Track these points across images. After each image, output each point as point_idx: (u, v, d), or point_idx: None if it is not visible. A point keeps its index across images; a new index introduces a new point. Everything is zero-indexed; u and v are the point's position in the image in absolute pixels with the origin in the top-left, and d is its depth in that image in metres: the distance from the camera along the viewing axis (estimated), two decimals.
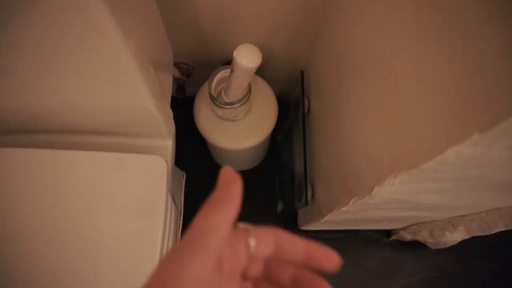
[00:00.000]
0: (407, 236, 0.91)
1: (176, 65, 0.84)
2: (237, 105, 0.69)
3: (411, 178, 0.36)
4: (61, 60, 0.45)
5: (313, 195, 0.76)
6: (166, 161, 0.56)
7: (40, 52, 0.43)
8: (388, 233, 1.01)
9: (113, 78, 0.48)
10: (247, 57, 0.57)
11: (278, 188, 1.02)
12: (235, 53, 0.57)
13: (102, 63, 0.45)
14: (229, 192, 0.23)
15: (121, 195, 0.55)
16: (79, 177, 0.55)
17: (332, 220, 0.71)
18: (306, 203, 0.72)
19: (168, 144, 0.61)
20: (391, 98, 0.38)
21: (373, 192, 0.44)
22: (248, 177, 1.04)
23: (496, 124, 0.23)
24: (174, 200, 0.66)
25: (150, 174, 0.55)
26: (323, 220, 0.71)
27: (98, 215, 0.55)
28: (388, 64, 0.39)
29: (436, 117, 0.30)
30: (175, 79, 0.85)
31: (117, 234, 0.54)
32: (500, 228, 0.61)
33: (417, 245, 0.97)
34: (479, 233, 0.68)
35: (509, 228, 0.61)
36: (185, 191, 0.96)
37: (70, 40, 0.42)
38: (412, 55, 0.34)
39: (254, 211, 1.01)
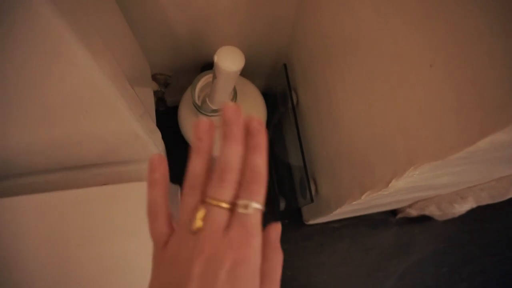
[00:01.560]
0: (414, 213, 0.90)
1: (153, 77, 0.79)
2: None
3: (433, 168, 0.34)
4: (29, 95, 0.40)
5: (316, 190, 0.74)
6: None
7: (6, 90, 0.39)
8: (394, 212, 1.00)
9: (88, 104, 0.44)
10: (229, 60, 0.54)
11: (277, 186, 0.99)
12: (215, 58, 0.54)
13: (75, 91, 0.41)
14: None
15: (120, 226, 0.51)
16: (71, 218, 0.51)
17: (340, 212, 0.69)
18: (312, 200, 0.70)
19: None
20: (399, 87, 0.36)
21: (389, 185, 0.41)
22: None
23: None
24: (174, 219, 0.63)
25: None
26: (331, 214, 0.69)
27: (99, 250, 0.51)
28: (390, 48, 0.36)
29: (460, 105, 0.27)
30: (154, 92, 0.81)
31: (120, 263, 0.51)
32: None
33: (423, 219, 0.96)
34: (489, 201, 0.67)
35: None
36: None
37: (36, 72, 0.37)
38: (419, 36, 0.31)
39: None
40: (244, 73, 0.78)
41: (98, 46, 0.39)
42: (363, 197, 0.50)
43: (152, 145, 0.53)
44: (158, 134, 0.57)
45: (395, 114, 0.38)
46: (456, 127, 0.28)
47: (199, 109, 0.66)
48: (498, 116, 0.23)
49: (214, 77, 0.58)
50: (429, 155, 0.32)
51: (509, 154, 0.34)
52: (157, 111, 0.81)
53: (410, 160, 0.36)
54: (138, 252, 0.52)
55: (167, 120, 0.78)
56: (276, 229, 0.25)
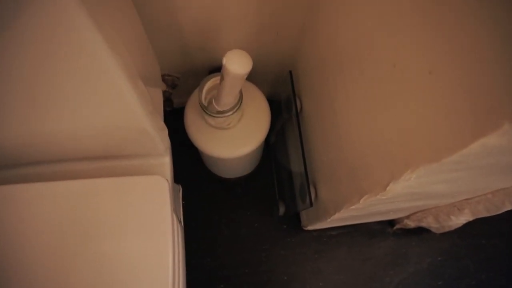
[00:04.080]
0: (411, 224, 0.91)
1: (161, 77, 0.81)
2: (230, 113, 0.68)
3: (429, 172, 0.36)
4: (47, 85, 0.42)
5: (316, 195, 0.75)
6: (167, 180, 0.54)
7: (23, 78, 0.40)
8: (391, 222, 1.01)
9: (103, 97, 0.45)
10: (237, 63, 0.56)
11: (277, 190, 1.01)
12: (224, 60, 0.56)
13: (90, 84, 0.43)
14: None
15: (125, 220, 0.52)
16: (78, 208, 0.52)
17: (338, 218, 0.70)
18: (311, 204, 0.71)
19: (166, 161, 0.59)
20: (399, 93, 0.37)
21: (387, 189, 0.43)
22: (245, 183, 1.02)
23: None
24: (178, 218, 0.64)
25: (152, 196, 0.52)
26: (329, 220, 0.70)
27: (104, 244, 0.52)
28: (391, 57, 0.38)
29: (454, 110, 0.29)
30: (162, 92, 0.83)
31: (126, 260, 0.51)
32: (508, 207, 0.61)
33: (421, 231, 0.97)
34: (485, 214, 0.68)
35: None
36: (182, 205, 0.94)
37: (55, 62, 0.39)
38: (419, 46, 0.33)
39: (255, 217, 0.99)
40: (251, 78, 0.80)
41: (114, 39, 0.40)
42: (361, 201, 0.51)
43: (159, 141, 0.55)
44: (165, 131, 0.59)
45: (393, 118, 0.39)
46: (450, 131, 0.29)
47: (205, 110, 0.68)
48: (488, 120, 0.25)
49: (222, 79, 0.60)
50: (425, 158, 0.34)
51: (501, 162, 0.36)
52: (164, 111, 0.83)
53: (407, 162, 0.37)
54: (138, 246, 0.53)
55: (173, 120, 0.80)
56: None
